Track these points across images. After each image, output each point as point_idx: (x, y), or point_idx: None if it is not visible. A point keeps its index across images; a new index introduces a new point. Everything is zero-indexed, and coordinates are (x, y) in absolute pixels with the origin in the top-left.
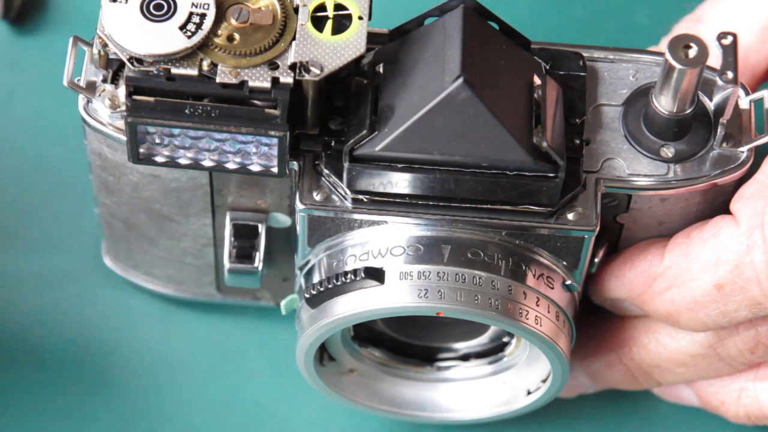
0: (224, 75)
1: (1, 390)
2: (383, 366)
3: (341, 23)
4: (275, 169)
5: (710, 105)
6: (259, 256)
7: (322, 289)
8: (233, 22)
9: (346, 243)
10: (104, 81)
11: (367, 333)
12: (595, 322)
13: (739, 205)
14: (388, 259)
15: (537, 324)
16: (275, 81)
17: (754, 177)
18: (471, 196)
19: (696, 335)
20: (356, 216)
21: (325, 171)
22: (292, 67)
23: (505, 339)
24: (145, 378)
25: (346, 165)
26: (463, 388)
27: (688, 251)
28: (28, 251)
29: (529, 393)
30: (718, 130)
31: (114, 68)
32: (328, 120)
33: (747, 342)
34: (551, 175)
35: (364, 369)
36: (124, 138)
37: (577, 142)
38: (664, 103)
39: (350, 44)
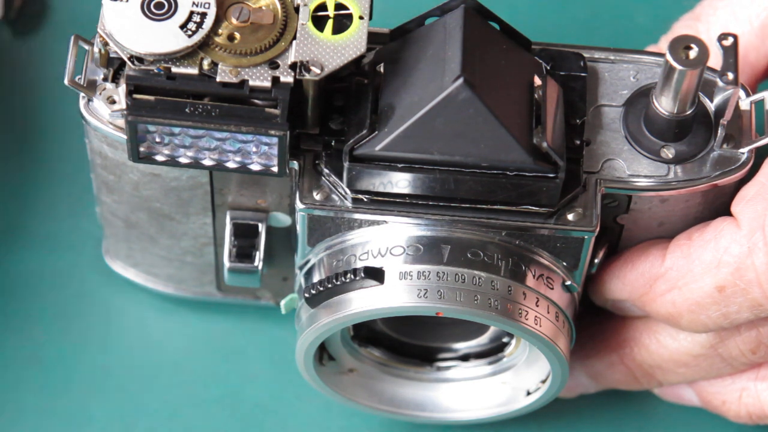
0: (225, 74)
1: (1, 390)
2: (383, 366)
3: (342, 23)
4: (275, 169)
5: (711, 106)
6: (259, 255)
7: (321, 288)
8: (234, 21)
9: (346, 243)
10: (105, 80)
11: (367, 333)
12: (596, 323)
13: (740, 208)
14: (388, 258)
15: (536, 324)
16: (276, 80)
17: (754, 179)
18: (471, 196)
19: (697, 336)
20: (356, 216)
21: (326, 170)
22: (293, 66)
23: (505, 339)
24: (145, 378)
25: (346, 164)
26: (463, 388)
27: (690, 253)
28: (28, 251)
29: (528, 393)
30: (719, 131)
31: (115, 67)
32: (328, 119)
33: (748, 342)
34: (551, 175)
35: (363, 369)
36: (124, 137)
37: (578, 142)
38: (664, 104)
39: (351, 44)
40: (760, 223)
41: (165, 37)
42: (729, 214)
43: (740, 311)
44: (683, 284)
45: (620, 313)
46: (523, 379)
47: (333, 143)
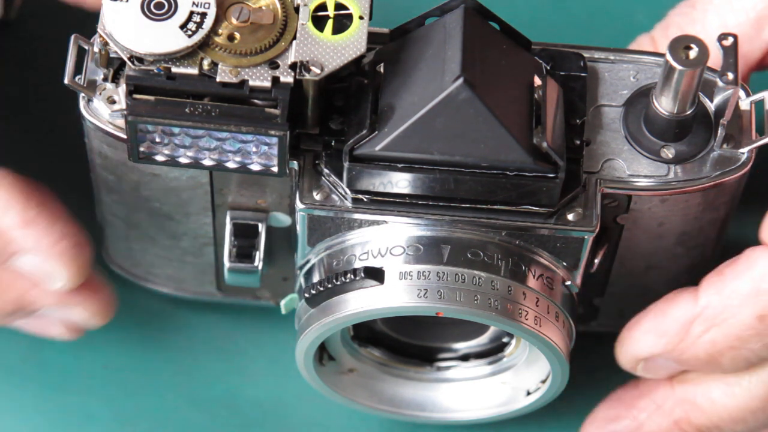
0: (225, 74)
1: (1, 390)
2: (383, 366)
3: (342, 23)
4: (275, 169)
5: (711, 106)
6: (259, 255)
7: (321, 288)
8: (234, 21)
9: (346, 243)
10: (105, 80)
11: (367, 333)
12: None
13: None
14: (388, 258)
15: (536, 324)
16: (276, 80)
17: None
18: (471, 196)
19: (753, 389)
20: (356, 216)
21: (325, 170)
22: (293, 66)
23: (505, 339)
24: (144, 378)
25: (346, 164)
26: (463, 388)
27: (723, 287)
28: None
29: (528, 393)
30: (719, 131)
31: (115, 67)
32: (328, 119)
33: None
34: (551, 175)
35: (363, 369)
36: (124, 137)
37: (578, 142)
38: (664, 104)
39: (351, 44)
40: None
41: (165, 37)
42: (729, 213)
43: None
44: (722, 320)
45: (651, 375)
46: (523, 379)
47: (333, 143)
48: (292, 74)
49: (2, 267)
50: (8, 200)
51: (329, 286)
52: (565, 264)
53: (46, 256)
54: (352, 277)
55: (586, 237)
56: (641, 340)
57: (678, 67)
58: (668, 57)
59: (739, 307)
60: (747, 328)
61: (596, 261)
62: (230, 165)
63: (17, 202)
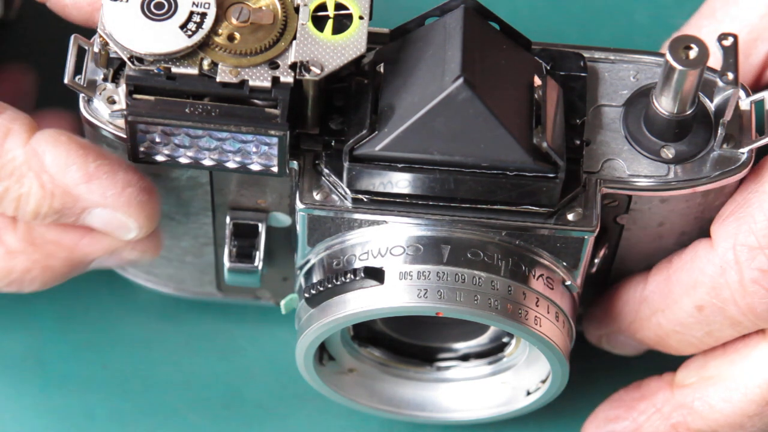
0: (225, 74)
1: (1, 390)
2: (383, 366)
3: (342, 23)
4: (275, 169)
5: (711, 106)
6: (259, 255)
7: (321, 288)
8: (234, 21)
9: (346, 243)
10: (105, 80)
11: (367, 333)
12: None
13: (715, 227)
14: (388, 258)
15: (536, 324)
16: (275, 80)
17: (732, 197)
18: (471, 196)
19: (750, 395)
20: (356, 216)
21: (325, 170)
22: (293, 66)
23: (505, 339)
24: (145, 377)
25: (346, 165)
26: (463, 388)
27: (670, 275)
28: None
29: (528, 393)
30: (719, 131)
31: (115, 67)
32: (328, 119)
33: None
34: (551, 175)
35: (363, 369)
36: (124, 137)
37: (578, 142)
38: (664, 104)
39: (351, 44)
40: (731, 242)
41: (165, 37)
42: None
43: (722, 329)
44: (665, 306)
45: (617, 350)
46: (523, 379)
47: (333, 143)
48: (292, 74)
49: (47, 227)
50: (67, 157)
51: (329, 286)
52: (565, 264)
53: (115, 206)
54: (352, 277)
55: (586, 237)
56: (600, 317)
57: (678, 67)
58: (668, 57)
59: (680, 295)
60: (688, 316)
61: (596, 261)
62: (230, 165)
63: (77, 157)
